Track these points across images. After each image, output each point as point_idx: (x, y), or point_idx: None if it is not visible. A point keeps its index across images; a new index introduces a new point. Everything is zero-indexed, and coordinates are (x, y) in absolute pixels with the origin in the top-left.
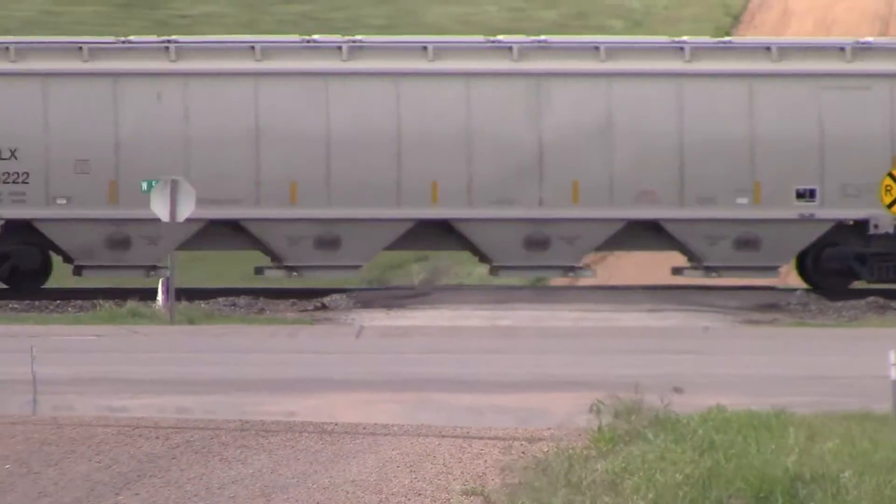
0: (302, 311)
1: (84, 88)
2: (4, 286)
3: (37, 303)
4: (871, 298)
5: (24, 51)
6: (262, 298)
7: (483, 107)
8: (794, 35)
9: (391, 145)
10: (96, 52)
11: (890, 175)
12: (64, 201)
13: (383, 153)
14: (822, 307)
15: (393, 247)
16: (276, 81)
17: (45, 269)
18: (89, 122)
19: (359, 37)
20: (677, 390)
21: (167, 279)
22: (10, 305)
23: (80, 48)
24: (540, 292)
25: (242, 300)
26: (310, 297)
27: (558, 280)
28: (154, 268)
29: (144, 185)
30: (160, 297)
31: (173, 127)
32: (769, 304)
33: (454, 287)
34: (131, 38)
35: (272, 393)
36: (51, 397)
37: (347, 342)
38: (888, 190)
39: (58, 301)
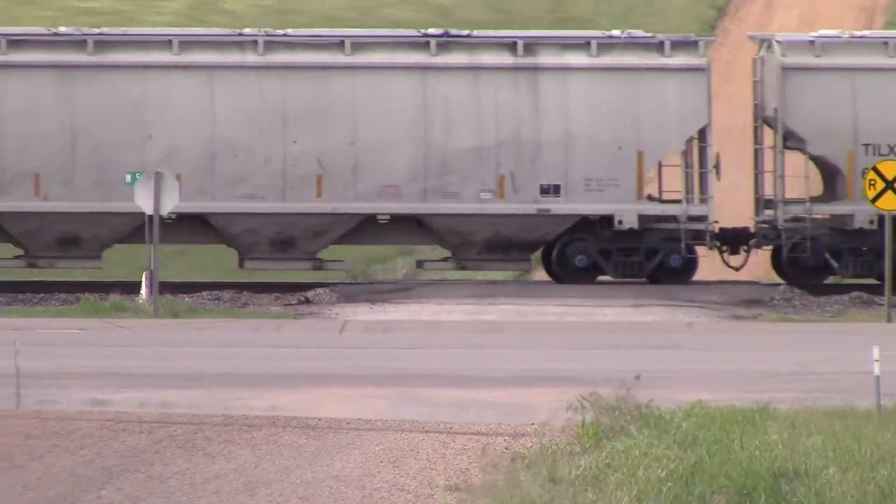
0: (286, 305)
1: None
2: None
3: (20, 296)
4: (854, 294)
5: None
6: (245, 292)
7: (227, 104)
8: (777, 28)
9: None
10: None
11: (874, 169)
12: None
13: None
14: (805, 303)
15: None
16: (21, 74)
17: None
18: None
19: (106, 29)
20: (636, 378)
21: (150, 272)
22: None
23: None
24: (524, 287)
25: (226, 294)
26: (293, 291)
27: (543, 274)
28: None
29: (129, 178)
30: (144, 290)
31: None
32: (753, 300)
33: (437, 282)
34: None
35: (256, 387)
36: (34, 391)
37: (331, 337)
38: (872, 184)
39: (41, 294)
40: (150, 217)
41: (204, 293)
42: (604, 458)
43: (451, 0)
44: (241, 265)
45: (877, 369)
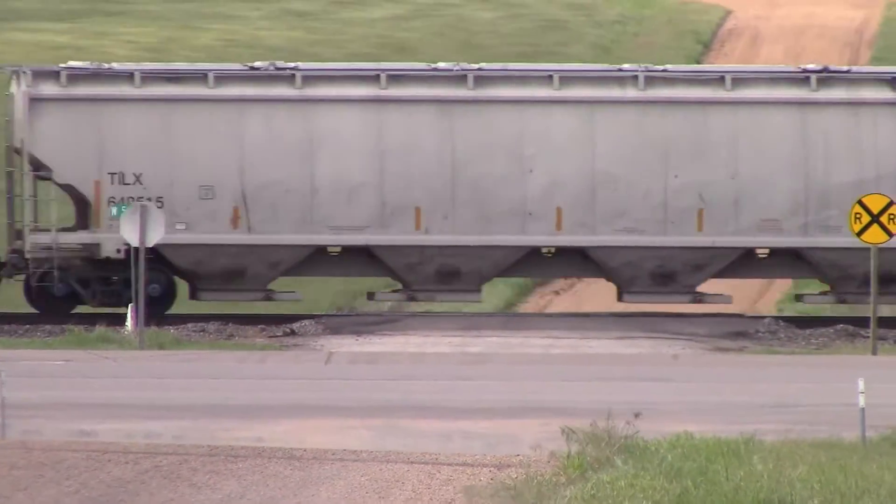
0: (271, 336)
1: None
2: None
3: (6, 327)
4: (840, 326)
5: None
6: (231, 324)
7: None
8: (763, 62)
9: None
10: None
11: (860, 203)
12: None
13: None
14: (791, 335)
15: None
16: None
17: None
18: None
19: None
20: (636, 415)
21: (136, 304)
22: None
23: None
24: (509, 319)
25: (212, 326)
26: (279, 323)
27: (529, 307)
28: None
29: (114, 210)
30: (129, 322)
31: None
32: (738, 332)
33: (423, 314)
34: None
35: (241, 418)
36: (20, 421)
37: (316, 368)
38: (857, 218)
39: (27, 325)
40: (136, 249)
41: (189, 325)
42: (589, 489)
43: (419, 34)
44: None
45: (862, 401)
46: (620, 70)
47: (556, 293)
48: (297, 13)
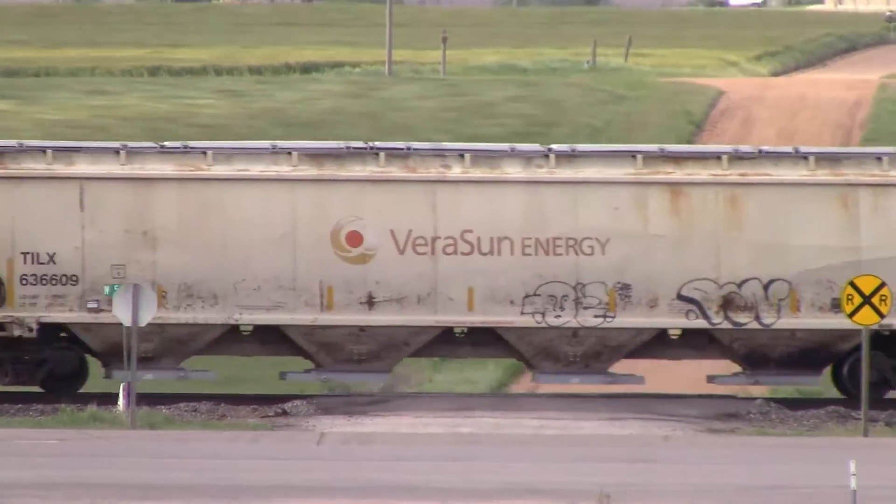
0: (263, 416)
1: None
2: None
3: None
4: (831, 407)
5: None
6: (223, 404)
7: None
8: (756, 143)
9: None
10: None
11: (851, 284)
12: None
13: None
14: (782, 416)
15: None
16: None
17: None
18: None
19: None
20: (604, 496)
21: (129, 383)
22: None
23: None
24: (501, 400)
25: (203, 405)
26: (271, 403)
27: (519, 387)
28: None
29: (107, 289)
30: (121, 401)
31: None
32: (730, 413)
33: (414, 394)
34: None
35: (233, 499)
36: (13, 501)
37: (308, 448)
38: (850, 299)
39: (19, 405)
40: (128, 329)
41: (181, 404)
42: None
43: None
44: None
45: (854, 483)
46: None
47: None
48: (231, 91)
